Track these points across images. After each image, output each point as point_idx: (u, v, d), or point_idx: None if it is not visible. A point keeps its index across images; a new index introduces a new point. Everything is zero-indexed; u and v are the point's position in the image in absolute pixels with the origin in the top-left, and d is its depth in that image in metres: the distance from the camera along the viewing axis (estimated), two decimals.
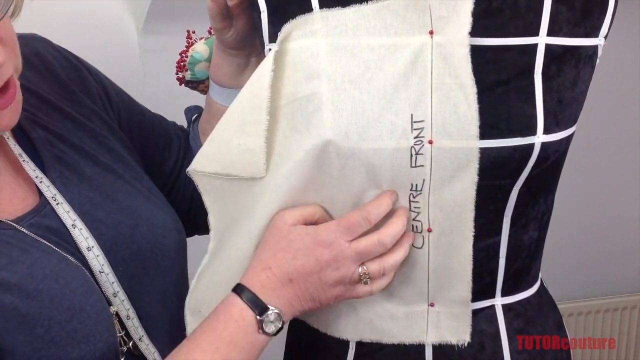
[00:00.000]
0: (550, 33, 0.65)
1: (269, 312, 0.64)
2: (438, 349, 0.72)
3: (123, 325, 0.68)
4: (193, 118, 0.92)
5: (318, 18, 0.66)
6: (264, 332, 0.64)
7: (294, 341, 0.84)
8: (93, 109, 0.79)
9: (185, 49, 0.88)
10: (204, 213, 0.93)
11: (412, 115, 0.63)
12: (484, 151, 0.64)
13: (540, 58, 0.65)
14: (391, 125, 0.64)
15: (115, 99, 0.84)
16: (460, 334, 0.71)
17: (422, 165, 0.64)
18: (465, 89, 0.63)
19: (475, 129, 0.63)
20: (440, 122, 0.63)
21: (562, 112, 0.67)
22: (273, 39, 0.69)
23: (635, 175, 1.92)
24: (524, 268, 0.74)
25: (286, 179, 0.67)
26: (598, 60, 0.70)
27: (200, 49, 0.87)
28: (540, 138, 0.65)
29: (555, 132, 0.66)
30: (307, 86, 0.66)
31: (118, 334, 0.67)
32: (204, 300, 0.74)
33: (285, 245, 0.66)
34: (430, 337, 0.72)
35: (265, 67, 0.68)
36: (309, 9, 0.67)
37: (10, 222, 0.65)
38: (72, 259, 0.66)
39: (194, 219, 0.92)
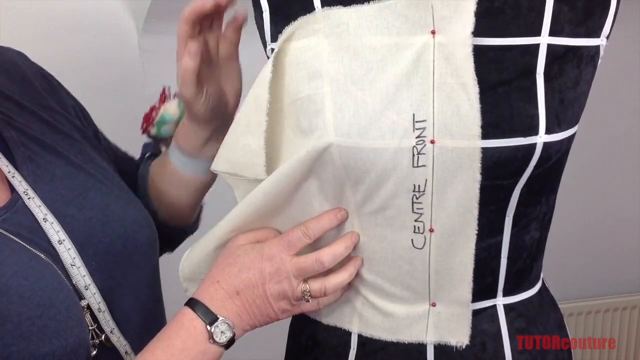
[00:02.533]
0: (552, 33, 0.65)
1: (218, 322, 0.67)
2: (439, 349, 0.72)
3: (95, 319, 0.70)
4: (147, 155, 0.93)
5: (320, 17, 0.66)
6: (215, 342, 0.67)
7: (294, 342, 0.84)
8: (65, 116, 0.81)
9: (157, 104, 0.88)
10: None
11: (414, 115, 0.63)
12: (486, 151, 0.64)
13: (542, 58, 0.65)
14: (393, 125, 0.64)
15: (90, 119, 0.86)
16: (459, 335, 0.71)
17: (424, 165, 0.64)
18: (468, 89, 0.63)
19: (477, 129, 0.63)
20: (442, 122, 0.63)
21: (564, 112, 0.67)
22: (275, 38, 0.68)
23: (635, 175, 1.92)
24: (525, 268, 0.74)
25: (286, 176, 0.67)
26: (600, 60, 0.70)
27: (172, 110, 0.86)
28: (542, 138, 0.65)
29: (557, 132, 0.66)
30: (310, 86, 0.66)
31: (90, 327, 0.69)
32: (198, 270, 0.77)
33: (233, 260, 0.70)
34: (429, 337, 0.72)
35: (267, 68, 0.68)
36: (310, 8, 0.67)
37: None
38: (43, 255, 0.67)
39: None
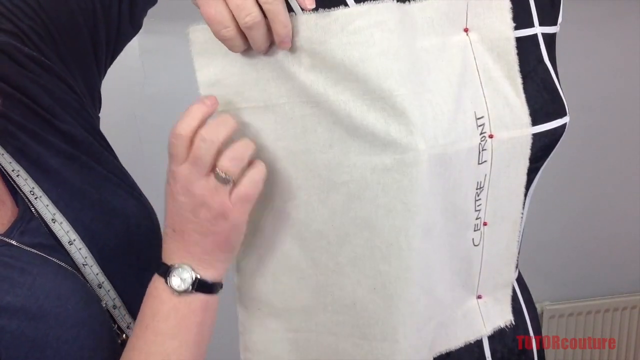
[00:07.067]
0: (540, 23, 0.67)
1: (172, 270, 0.58)
2: (492, 338, 0.71)
3: (111, 316, 0.68)
4: None
5: (383, 9, 0.56)
6: (179, 292, 0.58)
7: None
8: (37, 78, 0.71)
9: None
10: None
11: (475, 112, 0.62)
12: (534, 137, 0.65)
13: (543, 47, 0.67)
14: (464, 125, 0.61)
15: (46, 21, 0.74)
16: (504, 315, 0.71)
17: (486, 161, 0.63)
18: (513, 80, 0.63)
19: (526, 117, 0.64)
20: (496, 115, 0.63)
21: (563, 94, 0.69)
22: None
23: (635, 175, 1.92)
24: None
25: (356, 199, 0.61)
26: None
27: None
28: (568, 117, 0.67)
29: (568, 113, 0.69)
30: (385, 83, 0.56)
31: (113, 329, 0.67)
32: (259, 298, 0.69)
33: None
34: (487, 328, 0.71)
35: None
36: None
37: (3, 238, 0.62)
38: (63, 264, 0.64)
39: None
